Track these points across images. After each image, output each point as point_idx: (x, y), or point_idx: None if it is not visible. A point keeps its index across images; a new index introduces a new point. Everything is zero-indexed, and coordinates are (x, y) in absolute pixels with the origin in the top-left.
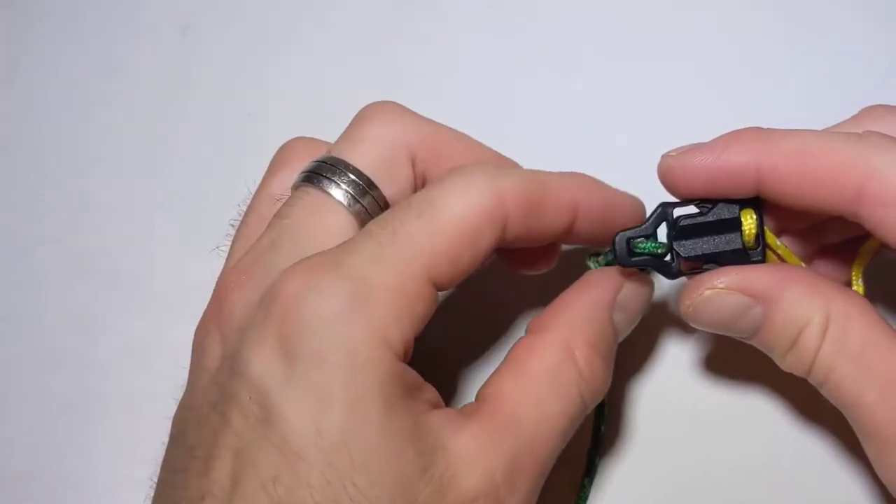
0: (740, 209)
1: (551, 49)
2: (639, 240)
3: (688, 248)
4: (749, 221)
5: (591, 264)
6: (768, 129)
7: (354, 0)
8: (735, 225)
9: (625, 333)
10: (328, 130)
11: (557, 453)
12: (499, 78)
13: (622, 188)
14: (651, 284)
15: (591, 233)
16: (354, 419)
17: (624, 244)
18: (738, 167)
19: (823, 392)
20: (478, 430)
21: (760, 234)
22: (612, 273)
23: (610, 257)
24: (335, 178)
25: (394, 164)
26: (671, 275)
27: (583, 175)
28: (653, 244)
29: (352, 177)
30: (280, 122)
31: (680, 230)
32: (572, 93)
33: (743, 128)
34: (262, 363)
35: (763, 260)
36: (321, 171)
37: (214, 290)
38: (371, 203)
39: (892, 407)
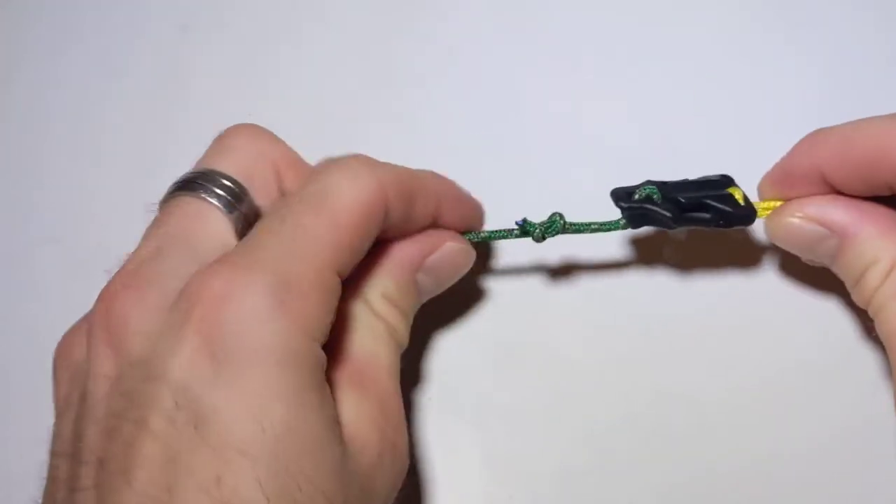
0: (726, 186)
1: (552, 49)
2: (635, 190)
3: (682, 193)
4: (737, 191)
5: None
6: (825, 128)
7: (355, 0)
8: (722, 192)
9: (432, 293)
10: (328, 130)
11: (399, 390)
12: (499, 78)
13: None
14: (467, 254)
15: (448, 225)
16: (296, 410)
17: (619, 193)
18: (802, 176)
19: (876, 325)
20: (346, 395)
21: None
22: (426, 236)
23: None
24: (210, 185)
25: (261, 173)
26: (673, 220)
27: (440, 175)
28: (650, 188)
29: (226, 183)
30: (280, 122)
31: (672, 186)
32: (572, 93)
33: (808, 134)
34: (187, 366)
35: (753, 210)
36: (195, 180)
37: (98, 299)
38: (247, 208)
39: None
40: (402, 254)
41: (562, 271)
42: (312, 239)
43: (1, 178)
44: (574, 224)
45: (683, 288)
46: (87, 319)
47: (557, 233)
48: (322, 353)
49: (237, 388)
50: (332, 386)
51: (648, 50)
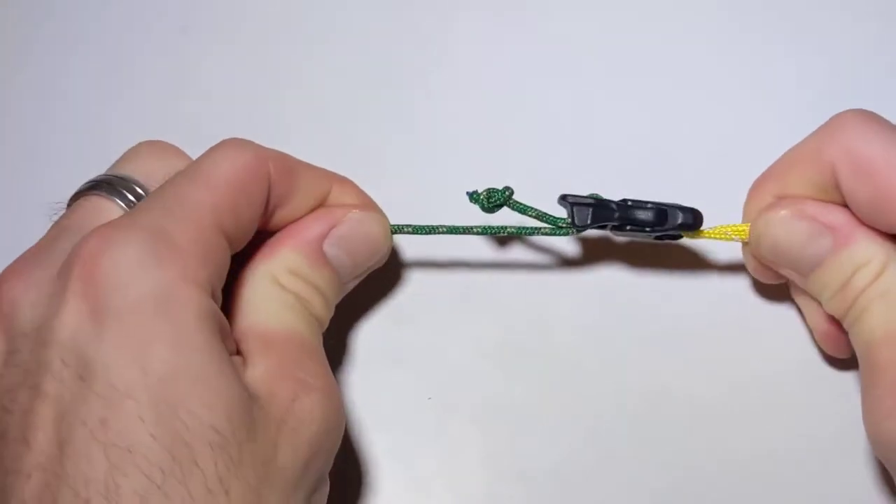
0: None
1: (552, 50)
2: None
3: (630, 201)
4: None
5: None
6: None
7: (355, 0)
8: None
9: (353, 269)
10: (328, 130)
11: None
12: (499, 78)
13: (622, 190)
14: (377, 223)
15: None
16: (179, 352)
17: (566, 195)
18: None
19: (852, 335)
20: (256, 359)
21: None
22: (329, 210)
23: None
24: (113, 186)
25: (162, 175)
26: (619, 220)
27: (334, 172)
28: (598, 195)
29: (133, 186)
30: (280, 121)
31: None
32: (573, 94)
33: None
34: (71, 325)
35: (700, 216)
36: (103, 181)
37: None
38: None
39: None
40: (305, 228)
41: (562, 272)
42: (189, 201)
43: (1, 178)
44: (519, 203)
45: (684, 288)
46: None
47: (501, 203)
48: (211, 303)
49: (117, 336)
50: (241, 353)
51: (649, 49)
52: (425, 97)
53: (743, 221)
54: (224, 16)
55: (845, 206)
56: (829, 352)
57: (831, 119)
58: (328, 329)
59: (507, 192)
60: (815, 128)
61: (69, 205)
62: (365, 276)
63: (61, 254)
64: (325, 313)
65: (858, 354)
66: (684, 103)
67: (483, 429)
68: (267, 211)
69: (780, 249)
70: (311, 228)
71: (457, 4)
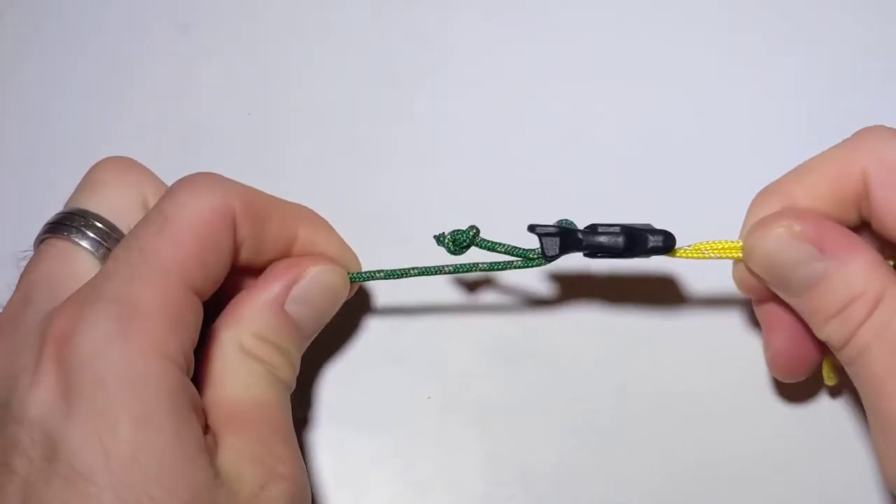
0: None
1: (553, 51)
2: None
3: (600, 226)
4: None
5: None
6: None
7: (355, 0)
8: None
9: (315, 323)
10: (328, 130)
11: (290, 424)
12: (499, 78)
13: (621, 192)
14: (337, 275)
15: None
16: (144, 433)
17: (535, 226)
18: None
19: (851, 370)
20: (226, 438)
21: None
22: (288, 267)
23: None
24: (78, 227)
25: (130, 208)
26: (588, 246)
27: (309, 209)
28: (569, 221)
29: (95, 223)
30: (280, 122)
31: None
32: (574, 93)
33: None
34: (41, 403)
35: (671, 238)
36: (63, 222)
37: None
38: (115, 244)
39: None
40: (265, 290)
41: (562, 272)
42: (155, 261)
43: (1, 178)
44: (486, 241)
45: (684, 289)
46: None
47: (467, 245)
48: (181, 376)
49: (84, 417)
50: (210, 428)
51: (649, 50)
52: (425, 97)
53: (742, 232)
54: (224, 15)
55: (850, 226)
56: (780, 375)
57: (858, 132)
58: (329, 328)
59: (472, 232)
60: (814, 129)
61: (36, 244)
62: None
63: (34, 315)
64: (292, 374)
65: (861, 393)
66: (683, 105)
67: (483, 429)
68: (234, 253)
69: (771, 267)
70: (272, 289)
71: (458, 4)
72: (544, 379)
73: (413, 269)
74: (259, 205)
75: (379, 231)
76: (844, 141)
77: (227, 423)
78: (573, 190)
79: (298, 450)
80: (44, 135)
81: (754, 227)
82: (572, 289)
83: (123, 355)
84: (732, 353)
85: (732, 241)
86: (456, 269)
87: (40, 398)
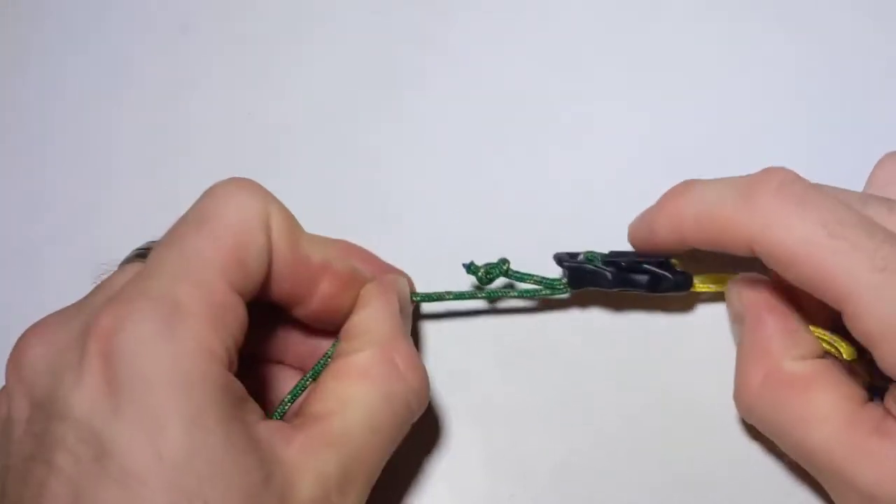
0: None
1: (553, 51)
2: (578, 253)
3: (623, 259)
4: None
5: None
6: (684, 192)
7: (355, 0)
8: (662, 260)
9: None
10: (328, 130)
11: (387, 459)
12: (499, 78)
13: (620, 188)
14: (407, 282)
15: (341, 299)
16: (195, 435)
17: (562, 256)
18: (665, 240)
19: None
20: (309, 441)
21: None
22: (387, 283)
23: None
24: None
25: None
26: (612, 283)
27: (348, 243)
28: (593, 253)
29: None
30: (280, 122)
31: (613, 254)
32: (574, 94)
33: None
34: (86, 401)
35: (690, 276)
36: (150, 248)
37: (13, 347)
38: None
39: (849, 450)
40: (391, 300)
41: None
42: (196, 259)
43: (1, 178)
44: (517, 273)
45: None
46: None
47: (499, 276)
48: (225, 374)
49: (133, 416)
50: (301, 431)
51: (649, 51)
52: (425, 97)
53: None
54: (224, 15)
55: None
56: (745, 411)
57: (750, 185)
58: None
59: (504, 266)
60: (814, 129)
61: (121, 265)
62: None
63: (83, 317)
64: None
65: None
66: (683, 105)
67: (483, 429)
68: (270, 255)
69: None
70: (393, 299)
71: (458, 5)
72: (545, 379)
73: (449, 293)
74: (293, 221)
75: (379, 231)
76: (741, 188)
77: (320, 429)
78: (573, 189)
79: (367, 491)
80: (43, 135)
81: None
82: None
83: (170, 354)
84: (734, 353)
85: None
86: (489, 295)
87: (85, 395)
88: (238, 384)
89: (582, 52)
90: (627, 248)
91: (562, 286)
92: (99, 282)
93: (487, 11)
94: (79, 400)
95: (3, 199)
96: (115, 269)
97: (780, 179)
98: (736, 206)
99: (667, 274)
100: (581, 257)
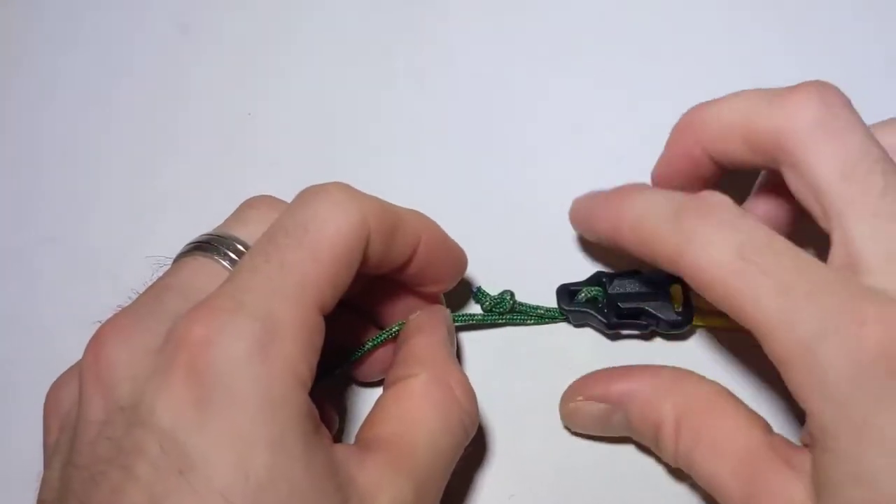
0: (670, 284)
1: (552, 49)
2: (580, 289)
3: (623, 300)
4: (676, 289)
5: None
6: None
7: (354, 0)
8: (663, 292)
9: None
10: (328, 130)
11: (447, 480)
12: (499, 78)
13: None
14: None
15: (426, 266)
16: (279, 457)
17: (564, 291)
18: (603, 239)
19: (696, 480)
20: (381, 464)
21: (685, 300)
22: (437, 312)
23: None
24: (222, 247)
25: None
26: (608, 326)
27: (423, 214)
28: (594, 290)
29: (238, 247)
30: (280, 121)
31: (614, 291)
32: (573, 93)
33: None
34: (172, 411)
35: (687, 317)
36: (209, 242)
37: (88, 345)
38: None
39: (744, 481)
40: (441, 331)
41: (563, 272)
42: (295, 276)
43: (1, 178)
44: (522, 304)
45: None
46: (78, 365)
47: (505, 311)
48: (308, 400)
49: (221, 434)
50: (371, 454)
51: (648, 50)
52: (425, 97)
53: None
54: (224, 16)
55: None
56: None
57: (682, 204)
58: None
59: (512, 301)
60: None
61: (177, 259)
62: None
63: (164, 318)
64: (476, 422)
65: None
66: (683, 105)
67: (483, 429)
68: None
69: (593, 430)
70: (442, 331)
71: (457, 4)
72: (545, 379)
73: (476, 315)
74: (389, 219)
75: None
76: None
77: (390, 453)
78: (573, 188)
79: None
80: (43, 135)
81: (560, 410)
82: None
83: (263, 376)
84: (736, 352)
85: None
86: (507, 321)
87: (171, 406)
88: (313, 406)
89: (579, 49)
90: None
91: (563, 317)
92: (158, 275)
93: (485, 9)
94: (164, 410)
95: (3, 200)
96: (171, 262)
97: (712, 202)
98: (666, 223)
99: (661, 317)
100: (581, 296)
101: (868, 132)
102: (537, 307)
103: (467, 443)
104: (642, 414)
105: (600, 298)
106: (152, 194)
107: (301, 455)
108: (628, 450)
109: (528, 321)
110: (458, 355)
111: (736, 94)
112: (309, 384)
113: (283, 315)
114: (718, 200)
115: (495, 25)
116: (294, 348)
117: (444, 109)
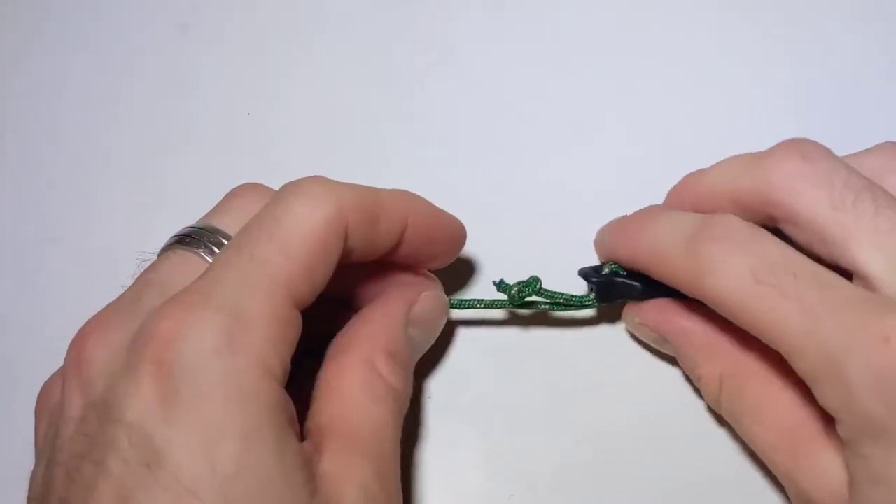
0: None
1: (551, 49)
2: (602, 266)
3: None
4: None
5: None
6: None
7: (355, 0)
8: None
9: (423, 346)
10: (328, 130)
11: (399, 452)
12: (499, 79)
13: (620, 188)
14: (444, 302)
15: (419, 246)
16: (249, 450)
17: (586, 270)
18: (625, 264)
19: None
20: (336, 452)
21: None
22: (406, 291)
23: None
24: (202, 240)
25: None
26: (642, 291)
27: (410, 192)
28: (615, 266)
29: (220, 238)
30: (280, 121)
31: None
32: (573, 94)
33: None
34: (141, 406)
35: None
36: (190, 235)
37: (71, 342)
38: None
39: (788, 454)
40: (394, 310)
41: (563, 272)
42: (266, 271)
43: (1, 178)
44: (548, 291)
45: None
46: (61, 366)
47: (532, 294)
48: (282, 393)
49: (188, 427)
50: (315, 438)
51: (648, 51)
52: (425, 97)
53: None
54: (224, 16)
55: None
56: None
57: (697, 231)
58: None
59: (536, 286)
60: (814, 130)
61: (161, 252)
62: None
63: (142, 314)
64: (408, 401)
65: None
66: (682, 105)
67: (483, 429)
68: (338, 262)
69: (652, 343)
70: (399, 309)
71: (457, 4)
72: (544, 379)
73: (481, 300)
74: (370, 206)
75: None
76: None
77: (339, 439)
78: (574, 188)
79: (400, 485)
80: (43, 134)
81: (624, 316)
82: (573, 288)
83: (230, 369)
84: None
85: None
86: (521, 306)
87: (140, 400)
88: (289, 400)
89: (579, 51)
90: None
91: (590, 301)
92: (142, 270)
93: (485, 9)
94: (132, 404)
95: (3, 200)
96: (155, 257)
97: (727, 225)
98: (683, 249)
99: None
100: (607, 270)
101: (850, 168)
102: (562, 293)
103: (402, 416)
104: (686, 359)
105: (622, 273)
106: (152, 194)
107: (273, 447)
108: (628, 450)
109: (556, 308)
110: (458, 355)
111: (722, 162)
112: (281, 377)
113: (251, 308)
114: (732, 222)
115: (497, 25)
116: (263, 341)
117: (444, 109)
